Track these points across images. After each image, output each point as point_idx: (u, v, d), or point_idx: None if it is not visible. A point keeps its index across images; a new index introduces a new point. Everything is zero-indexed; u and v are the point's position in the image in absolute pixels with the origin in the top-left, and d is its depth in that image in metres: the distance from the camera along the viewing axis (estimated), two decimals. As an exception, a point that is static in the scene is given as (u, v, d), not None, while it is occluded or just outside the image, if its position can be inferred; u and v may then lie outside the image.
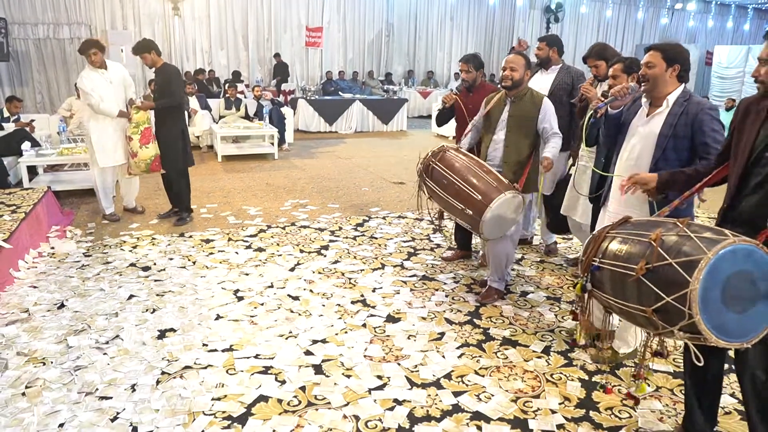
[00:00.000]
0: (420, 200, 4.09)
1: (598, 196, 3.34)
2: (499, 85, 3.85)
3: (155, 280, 4.13)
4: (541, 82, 4.59)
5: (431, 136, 12.24)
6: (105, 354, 3.13)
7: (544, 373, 3.09)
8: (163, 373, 2.96)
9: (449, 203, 3.69)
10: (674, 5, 20.35)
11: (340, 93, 13.44)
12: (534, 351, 3.31)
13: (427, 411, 2.72)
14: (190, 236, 5.11)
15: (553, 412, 2.75)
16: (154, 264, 4.43)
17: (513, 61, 3.68)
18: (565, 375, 3.08)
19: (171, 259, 4.55)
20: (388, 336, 3.43)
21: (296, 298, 3.90)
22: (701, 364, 1.99)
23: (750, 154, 2.16)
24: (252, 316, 3.62)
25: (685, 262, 1.91)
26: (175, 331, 3.41)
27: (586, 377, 3.07)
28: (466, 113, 4.33)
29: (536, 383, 2.99)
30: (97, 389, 2.81)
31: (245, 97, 10.79)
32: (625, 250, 2.15)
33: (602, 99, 2.98)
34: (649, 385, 2.95)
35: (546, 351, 3.32)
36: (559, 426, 2.65)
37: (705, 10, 20.86)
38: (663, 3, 19.98)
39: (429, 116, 13.50)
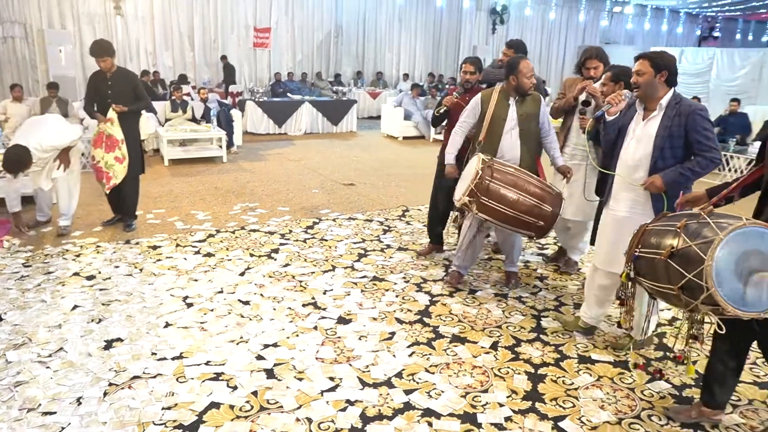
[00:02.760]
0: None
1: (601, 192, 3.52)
2: (531, 90, 3.94)
3: (100, 289, 4.03)
4: None
5: (381, 137, 12.32)
6: (48, 368, 3.04)
7: (492, 368, 3.18)
8: (110, 384, 2.91)
9: (516, 218, 3.74)
10: (613, 8, 21.10)
11: (288, 94, 13.35)
12: (482, 347, 3.41)
13: (379, 410, 2.77)
14: (137, 243, 5.00)
15: (501, 405, 2.85)
16: (99, 272, 4.32)
17: (532, 68, 3.91)
18: (512, 369, 3.19)
19: (117, 267, 4.44)
20: (339, 337, 3.46)
21: (247, 303, 3.88)
22: (723, 332, 2.30)
23: None
24: (202, 323, 3.59)
25: (702, 243, 2.22)
26: (122, 340, 3.34)
27: (532, 370, 3.18)
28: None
29: (484, 378, 3.09)
30: (39, 405, 2.73)
31: (192, 99, 10.59)
32: (656, 239, 2.46)
33: (603, 96, 3.41)
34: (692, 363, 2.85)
35: (494, 346, 3.43)
36: (507, 418, 2.75)
37: (641, 13, 21.71)
38: (603, 6, 20.68)
39: (378, 117, 13.57)
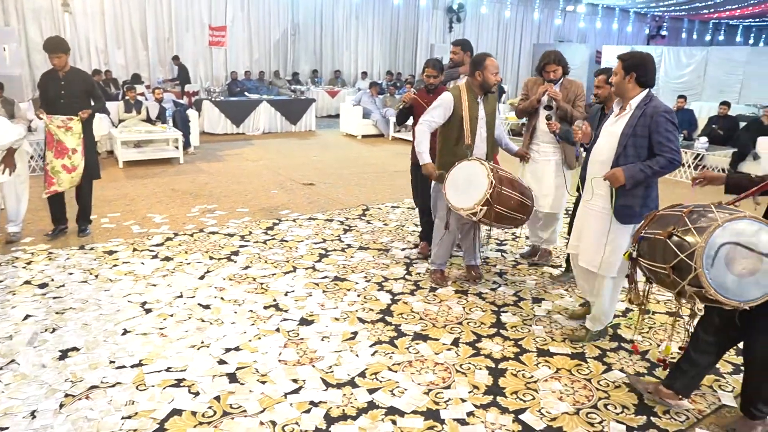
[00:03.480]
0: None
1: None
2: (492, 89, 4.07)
3: (54, 297, 3.91)
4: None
5: (340, 135, 12.30)
6: None
7: (453, 365, 3.24)
8: (66, 395, 2.83)
9: (510, 217, 3.87)
10: (566, 7, 21.57)
11: (246, 93, 13.19)
12: (444, 344, 3.46)
13: (343, 410, 2.79)
14: (92, 248, 4.87)
15: (463, 400, 2.90)
16: (52, 280, 4.20)
17: (497, 65, 4.03)
18: (474, 365, 3.25)
19: (71, 273, 4.32)
20: (301, 339, 3.46)
21: (207, 307, 3.84)
22: (701, 314, 2.49)
23: None
24: (161, 329, 3.53)
25: (700, 227, 2.37)
26: (78, 350, 3.26)
27: (493, 365, 3.25)
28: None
29: (447, 374, 3.14)
30: (-8, 418, 2.65)
31: (146, 99, 10.36)
32: (662, 221, 2.62)
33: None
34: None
35: (455, 343, 3.48)
36: (469, 413, 2.80)
37: (593, 12, 22.27)
38: (556, 5, 21.12)
39: (337, 116, 13.53)
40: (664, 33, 23.92)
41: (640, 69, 3.04)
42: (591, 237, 3.26)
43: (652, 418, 2.82)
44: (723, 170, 9.34)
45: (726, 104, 10.20)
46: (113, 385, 2.92)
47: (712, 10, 21.63)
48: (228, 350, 3.30)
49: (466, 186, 3.82)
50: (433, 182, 4.27)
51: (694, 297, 2.41)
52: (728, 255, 2.30)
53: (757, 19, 24.91)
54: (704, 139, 9.59)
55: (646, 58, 3.08)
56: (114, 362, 3.14)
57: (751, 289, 2.32)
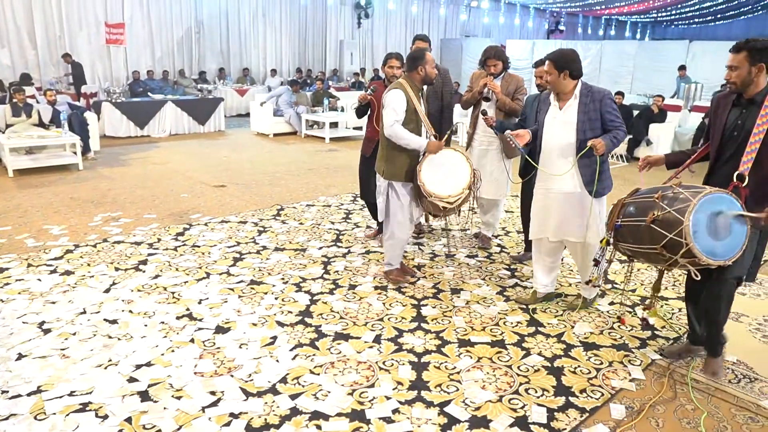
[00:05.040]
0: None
1: (525, 175, 4.35)
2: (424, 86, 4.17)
3: (-65, 323, 3.54)
4: None
5: (251, 135, 11.99)
6: None
7: (376, 362, 3.21)
8: (-48, 431, 2.56)
9: (465, 199, 4.02)
10: (470, 3, 22.16)
11: (149, 94, 12.57)
12: (365, 342, 3.43)
13: (265, 419, 2.69)
14: (-22, 266, 4.45)
15: (388, 398, 2.88)
16: (-68, 304, 3.79)
17: (434, 59, 4.14)
18: (396, 360, 3.24)
19: (-46, 295, 3.92)
20: (218, 348, 3.31)
21: (114, 322, 3.60)
22: (698, 278, 2.82)
23: (722, 135, 2.96)
24: (63, 349, 3.27)
25: (679, 209, 2.75)
26: (-36, 379, 2.95)
27: (416, 359, 3.25)
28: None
29: (370, 373, 3.11)
30: None
31: (37, 102, 9.62)
32: (637, 209, 2.98)
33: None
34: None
35: (377, 340, 3.46)
36: (395, 410, 2.79)
37: (496, 8, 23.04)
38: (461, 0, 21.65)
39: (247, 114, 13.18)
40: (562, 28, 25.12)
41: (571, 65, 3.44)
42: (572, 216, 3.62)
43: (570, 398, 2.92)
44: (621, 156, 9.92)
45: (620, 94, 10.81)
46: (7, 418, 2.66)
47: (603, 7, 22.97)
48: (138, 366, 3.10)
49: (445, 175, 3.93)
50: (381, 185, 4.21)
51: (687, 266, 2.83)
52: (709, 226, 2.73)
53: (643, 16, 26.73)
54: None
55: (571, 55, 3.47)
56: (7, 392, 2.86)
57: (731, 246, 2.76)
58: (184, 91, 13.89)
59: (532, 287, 4.25)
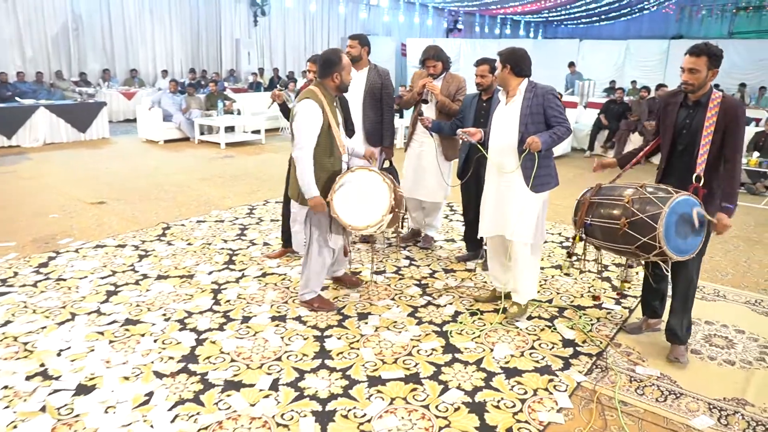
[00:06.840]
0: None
1: (463, 176, 4.46)
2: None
3: None
4: (356, 82, 4.42)
5: (139, 142, 11.01)
6: None
7: (273, 416, 2.75)
8: None
9: (398, 216, 3.81)
10: (369, 1, 21.92)
11: (18, 99, 11.23)
12: (260, 389, 2.96)
13: None
14: None
15: (286, 461, 2.44)
16: None
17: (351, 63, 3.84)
18: (297, 411, 2.79)
19: None
20: (77, 417, 2.70)
21: (-58, 389, 2.89)
22: (668, 273, 3.30)
23: (674, 130, 3.19)
24: None
25: (651, 215, 2.98)
26: None
27: (320, 408, 2.82)
28: None
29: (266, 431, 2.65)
30: None
31: None
32: (608, 211, 3.21)
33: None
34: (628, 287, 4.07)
35: (274, 386, 2.99)
36: (294, 477, 2.35)
37: (396, 6, 22.92)
38: (360, -2, 21.37)
39: (135, 120, 12.13)
40: (460, 27, 25.48)
41: (513, 62, 3.52)
42: (513, 211, 3.60)
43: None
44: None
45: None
46: None
47: (498, 6, 23.53)
48: (-32, 451, 2.47)
49: (360, 201, 3.52)
50: (296, 212, 3.79)
51: (658, 262, 3.14)
52: (677, 229, 2.97)
53: (535, 16, 27.75)
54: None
55: (520, 53, 3.57)
56: None
57: (694, 243, 3.05)
58: (62, 95, 12.57)
59: (444, 305, 3.96)
